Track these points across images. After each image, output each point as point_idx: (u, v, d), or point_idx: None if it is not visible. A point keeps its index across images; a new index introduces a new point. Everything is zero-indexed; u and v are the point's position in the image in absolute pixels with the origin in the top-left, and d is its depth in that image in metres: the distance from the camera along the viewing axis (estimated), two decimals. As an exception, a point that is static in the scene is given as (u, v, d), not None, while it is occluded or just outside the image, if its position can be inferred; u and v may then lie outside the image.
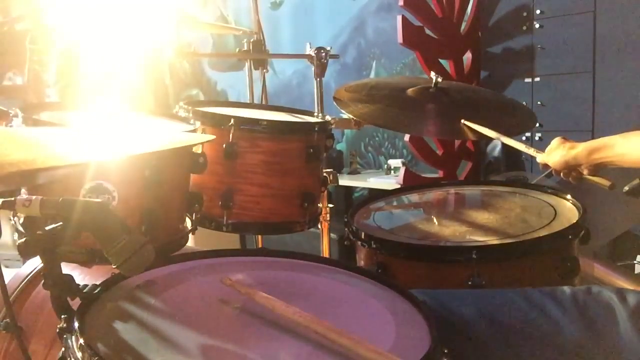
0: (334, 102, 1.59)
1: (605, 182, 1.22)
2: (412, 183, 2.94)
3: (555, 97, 2.90)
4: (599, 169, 1.24)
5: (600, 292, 0.97)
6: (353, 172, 3.82)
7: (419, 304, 0.90)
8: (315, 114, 1.67)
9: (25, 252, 0.76)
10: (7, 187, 0.80)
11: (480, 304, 0.98)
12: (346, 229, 1.35)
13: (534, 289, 1.00)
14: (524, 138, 2.90)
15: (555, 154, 1.27)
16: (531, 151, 1.35)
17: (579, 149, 1.23)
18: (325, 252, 1.83)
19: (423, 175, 3.30)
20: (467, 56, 3.25)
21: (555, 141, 1.29)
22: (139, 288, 0.89)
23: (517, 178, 2.46)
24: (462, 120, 1.52)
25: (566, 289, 0.99)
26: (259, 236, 2.16)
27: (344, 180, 3.60)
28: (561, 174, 1.29)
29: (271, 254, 1.09)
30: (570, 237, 1.19)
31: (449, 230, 1.30)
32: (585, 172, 1.25)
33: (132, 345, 0.74)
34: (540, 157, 1.32)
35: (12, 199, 0.75)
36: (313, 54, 1.79)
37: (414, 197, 1.61)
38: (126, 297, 0.86)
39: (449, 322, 0.93)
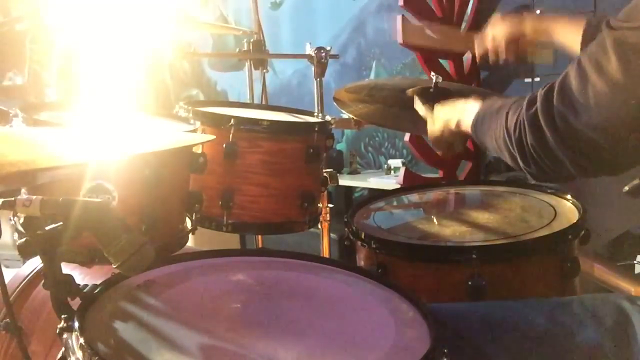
0: (334, 103, 1.59)
1: (548, 58, 1.22)
2: (412, 183, 2.94)
3: (555, 97, 2.90)
4: (538, 42, 1.23)
5: (607, 298, 0.96)
6: (353, 172, 3.81)
7: (419, 304, 0.90)
8: (315, 114, 1.67)
9: (25, 252, 0.76)
10: (7, 187, 0.79)
11: (486, 315, 0.97)
12: (346, 229, 1.35)
13: (539, 299, 1.00)
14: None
15: (496, 27, 1.25)
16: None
17: (526, 19, 1.23)
18: (325, 252, 1.83)
19: (423, 175, 3.30)
20: (467, 56, 3.25)
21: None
22: (139, 288, 0.89)
23: (517, 178, 2.46)
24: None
25: (572, 297, 0.99)
26: (259, 236, 2.16)
27: (344, 180, 3.60)
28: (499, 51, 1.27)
29: (271, 254, 1.09)
30: (570, 237, 1.19)
31: (449, 230, 1.30)
32: (526, 45, 1.23)
33: (132, 345, 0.74)
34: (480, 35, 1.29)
35: (12, 199, 0.75)
36: (313, 54, 1.79)
37: (414, 197, 1.61)
38: (126, 297, 0.86)
39: (453, 332, 0.92)
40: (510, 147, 0.92)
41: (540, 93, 0.86)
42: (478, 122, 1.05)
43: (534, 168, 0.91)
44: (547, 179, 1.07)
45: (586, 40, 1.19)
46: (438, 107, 1.24)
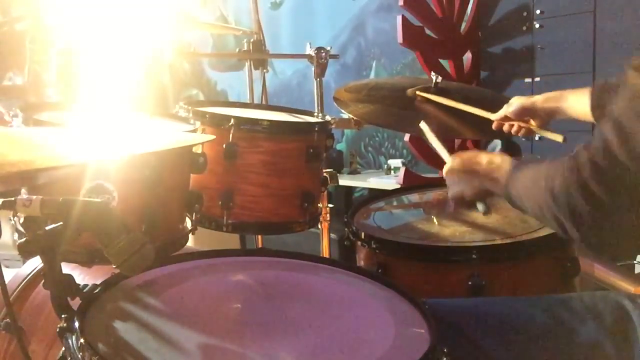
0: (334, 102, 1.59)
1: (558, 137, 1.32)
2: (412, 183, 2.94)
3: (555, 98, 2.90)
4: (550, 119, 1.35)
5: (607, 295, 0.96)
6: (353, 172, 3.82)
7: (418, 304, 0.90)
8: (315, 114, 1.67)
9: (25, 252, 0.76)
10: (7, 187, 0.80)
11: (485, 311, 0.98)
12: (346, 229, 1.35)
13: (539, 297, 1.00)
14: (523, 139, 2.90)
15: (514, 102, 1.35)
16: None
17: (537, 97, 1.34)
18: (325, 252, 1.83)
19: (423, 175, 3.30)
20: (467, 56, 3.25)
21: (515, 99, 1.39)
22: (139, 288, 0.89)
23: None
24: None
25: (571, 294, 0.99)
26: (259, 236, 2.15)
27: (344, 180, 3.60)
28: (513, 130, 1.40)
29: (271, 254, 1.09)
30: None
31: (449, 230, 1.30)
32: (537, 122, 1.35)
33: (132, 345, 0.74)
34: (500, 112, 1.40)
35: (12, 199, 0.75)
36: (313, 54, 1.79)
37: (414, 197, 1.61)
38: (126, 297, 0.86)
39: (452, 328, 0.92)
40: (558, 216, 0.85)
41: (583, 159, 0.80)
42: (512, 190, 0.97)
43: (590, 235, 0.84)
44: (602, 248, 0.96)
45: (595, 99, 1.21)
46: (456, 161, 1.17)
